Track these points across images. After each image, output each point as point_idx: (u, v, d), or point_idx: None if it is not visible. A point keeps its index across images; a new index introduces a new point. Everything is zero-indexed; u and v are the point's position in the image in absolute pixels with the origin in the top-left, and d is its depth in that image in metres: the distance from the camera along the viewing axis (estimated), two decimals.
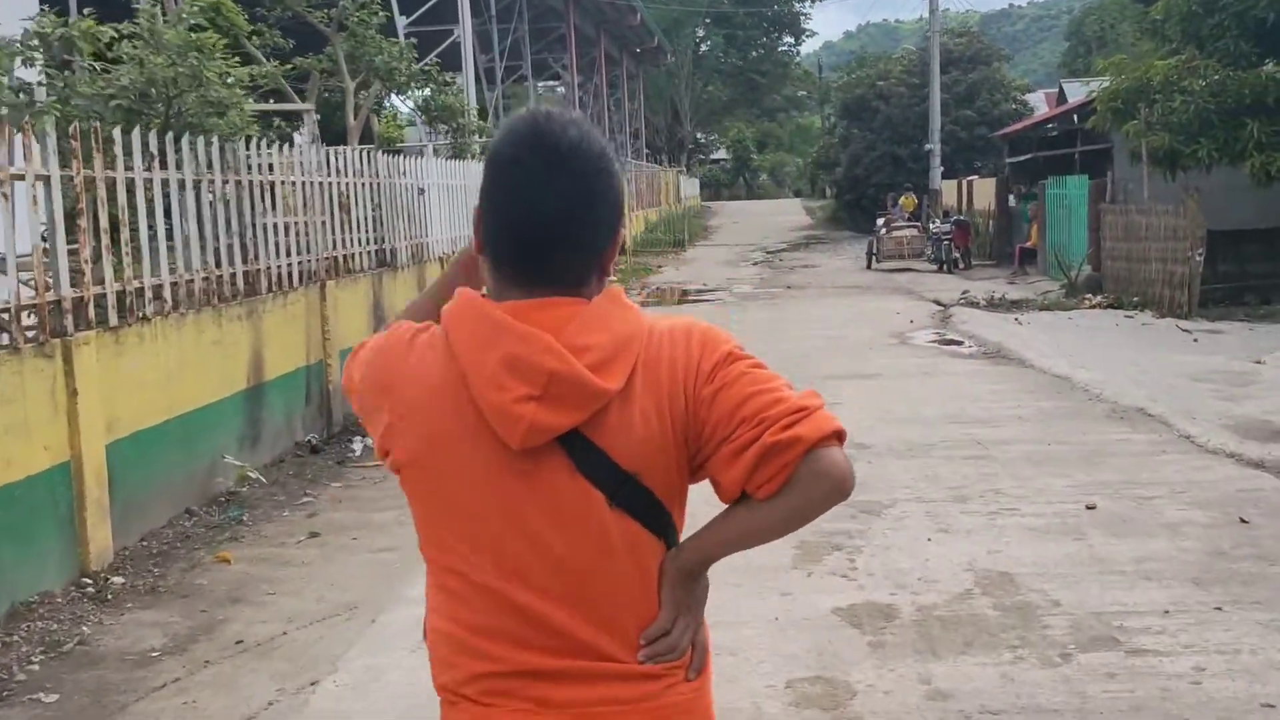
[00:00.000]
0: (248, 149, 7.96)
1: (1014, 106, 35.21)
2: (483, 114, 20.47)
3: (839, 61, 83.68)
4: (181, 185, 7.06)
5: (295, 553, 6.26)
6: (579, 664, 1.64)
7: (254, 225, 8.08)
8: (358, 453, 8.48)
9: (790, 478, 1.57)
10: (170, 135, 6.89)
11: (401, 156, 12.07)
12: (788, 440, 1.56)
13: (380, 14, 13.32)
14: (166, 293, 6.79)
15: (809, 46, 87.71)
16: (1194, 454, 7.58)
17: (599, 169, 1.65)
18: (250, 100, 9.08)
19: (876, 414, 9.14)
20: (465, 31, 20.64)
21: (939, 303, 17.57)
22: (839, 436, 1.59)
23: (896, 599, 5.13)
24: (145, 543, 6.31)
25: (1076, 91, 29.54)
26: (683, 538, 1.72)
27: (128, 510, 6.22)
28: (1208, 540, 5.80)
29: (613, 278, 1.73)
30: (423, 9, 19.79)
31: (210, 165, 7.36)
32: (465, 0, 20.63)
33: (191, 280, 7.14)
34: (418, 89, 16.11)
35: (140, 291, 6.56)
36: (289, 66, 11.66)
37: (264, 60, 10.99)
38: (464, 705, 1.69)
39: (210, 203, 7.44)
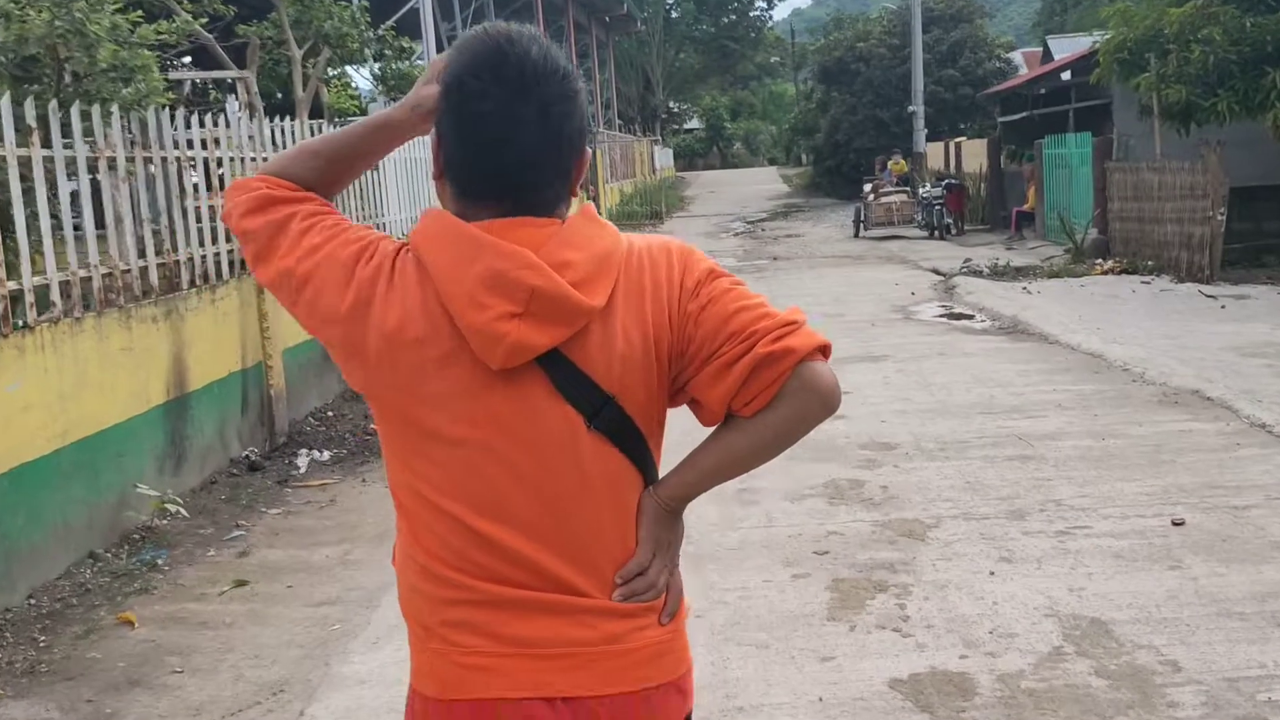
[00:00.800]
0: (160, 121, 6.75)
1: (998, 65, 34.09)
2: None
3: (809, 27, 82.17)
4: (72, 165, 5.89)
5: (216, 609, 5.12)
6: (549, 597, 1.56)
7: (171, 210, 6.91)
8: (302, 469, 7.32)
9: (780, 391, 1.53)
10: (54, 104, 5.70)
11: None
12: (780, 351, 1.52)
13: None
14: (55, 295, 5.62)
15: (780, 12, 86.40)
16: (1276, 447, 6.52)
17: (565, 91, 1.56)
18: (164, 62, 7.84)
19: (896, 405, 8.04)
20: None
21: (938, 272, 16.48)
22: (824, 351, 1.56)
23: (969, 663, 4.04)
24: (34, 601, 5.16)
25: (1064, 47, 28.47)
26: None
27: (9, 563, 5.07)
28: None
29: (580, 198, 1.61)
30: None
31: (109, 140, 6.18)
32: None
33: (89, 278, 5.96)
34: (372, 57, 14.84)
35: (19, 295, 5.39)
36: (203, 20, 10.35)
37: (187, 16, 9.67)
38: (428, 644, 1.60)
39: (113, 185, 6.27)
